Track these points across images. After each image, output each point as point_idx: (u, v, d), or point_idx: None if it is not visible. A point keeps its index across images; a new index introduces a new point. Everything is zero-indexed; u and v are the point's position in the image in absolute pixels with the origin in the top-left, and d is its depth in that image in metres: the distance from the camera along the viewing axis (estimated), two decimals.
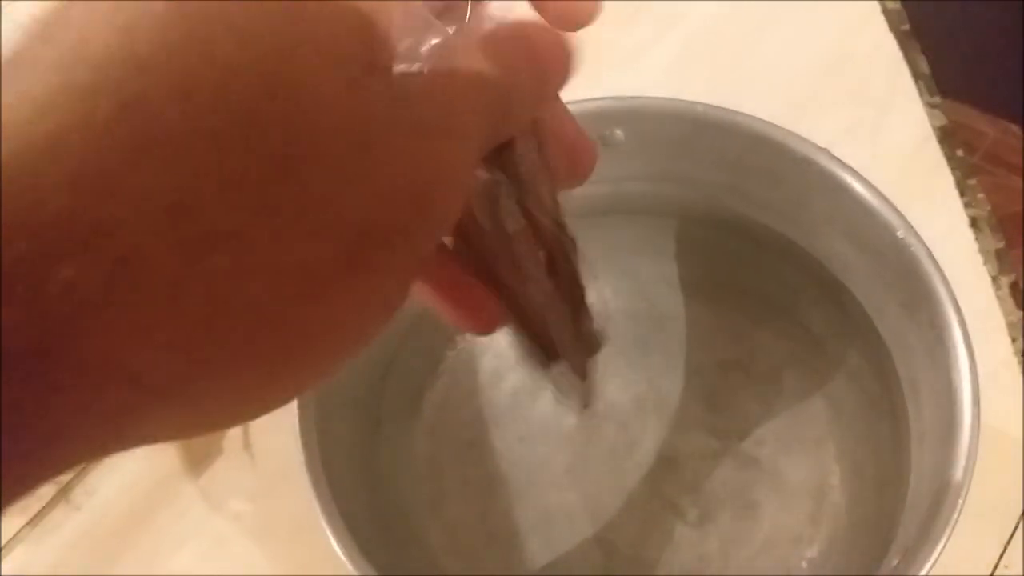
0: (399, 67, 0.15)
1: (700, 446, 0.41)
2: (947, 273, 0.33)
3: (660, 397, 0.42)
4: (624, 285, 0.44)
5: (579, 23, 0.19)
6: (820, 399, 0.41)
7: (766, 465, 0.41)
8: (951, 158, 0.50)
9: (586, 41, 0.19)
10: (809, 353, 0.42)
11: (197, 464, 0.44)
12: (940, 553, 0.29)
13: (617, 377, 0.42)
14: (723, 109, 0.37)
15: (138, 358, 0.14)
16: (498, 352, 0.44)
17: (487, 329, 0.24)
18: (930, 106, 0.52)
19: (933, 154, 0.50)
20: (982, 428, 0.31)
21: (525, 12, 0.19)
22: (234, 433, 0.44)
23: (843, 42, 0.55)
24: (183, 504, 0.43)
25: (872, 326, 0.38)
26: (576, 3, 0.19)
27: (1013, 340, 0.45)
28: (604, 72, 0.50)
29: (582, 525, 0.40)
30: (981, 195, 0.49)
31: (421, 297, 0.22)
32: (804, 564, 0.39)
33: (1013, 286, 0.46)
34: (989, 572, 0.41)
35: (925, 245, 0.34)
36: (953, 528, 0.29)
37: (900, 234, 0.34)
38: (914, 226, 0.34)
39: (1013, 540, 0.41)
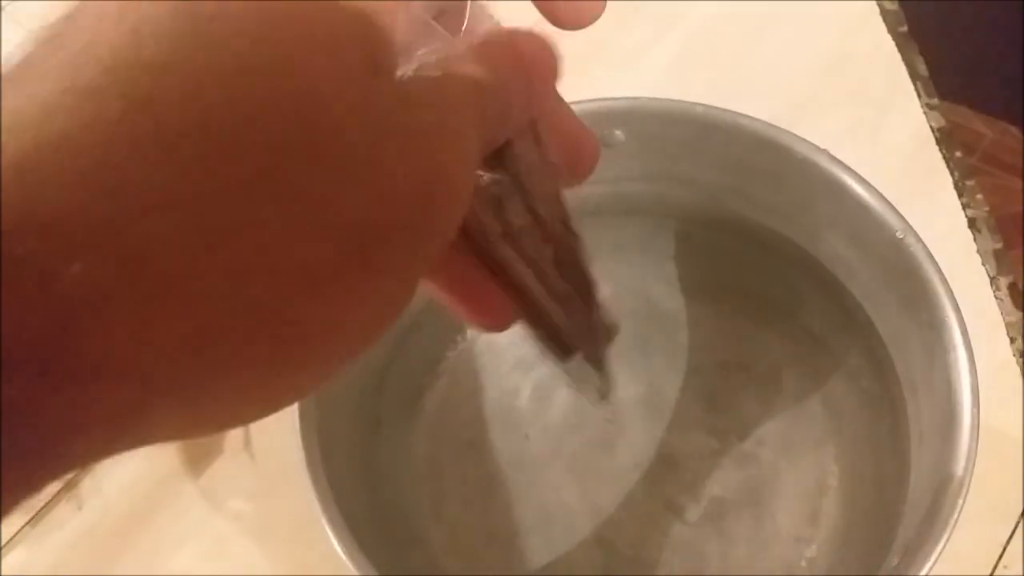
0: (401, 69, 0.15)
1: (700, 446, 0.41)
2: (946, 274, 0.34)
3: (660, 397, 0.43)
4: (624, 285, 0.44)
5: (582, 22, 0.20)
6: (820, 399, 0.41)
7: (766, 465, 0.41)
8: (950, 159, 0.50)
9: (586, 41, 0.19)
10: (809, 353, 0.42)
11: (197, 464, 0.44)
12: (940, 553, 0.29)
13: (617, 377, 0.43)
14: (723, 110, 0.37)
15: (138, 357, 0.14)
16: (498, 352, 0.44)
17: (500, 326, 0.24)
18: (928, 107, 0.52)
19: (932, 155, 0.51)
20: (982, 428, 0.31)
21: (525, 13, 0.19)
22: (234, 433, 0.44)
23: (842, 43, 0.55)
24: (183, 504, 0.43)
25: (872, 326, 0.38)
26: (579, 3, 0.19)
27: (1012, 340, 0.45)
28: (604, 72, 0.51)
29: (582, 525, 0.40)
30: (980, 196, 0.49)
31: (434, 296, 0.22)
32: (804, 564, 0.39)
33: (1012, 286, 0.46)
34: (989, 572, 0.41)
35: (925, 246, 0.34)
36: (953, 528, 0.29)
37: (899, 235, 0.34)
38: (913, 227, 0.34)
39: (1013, 540, 0.41)
